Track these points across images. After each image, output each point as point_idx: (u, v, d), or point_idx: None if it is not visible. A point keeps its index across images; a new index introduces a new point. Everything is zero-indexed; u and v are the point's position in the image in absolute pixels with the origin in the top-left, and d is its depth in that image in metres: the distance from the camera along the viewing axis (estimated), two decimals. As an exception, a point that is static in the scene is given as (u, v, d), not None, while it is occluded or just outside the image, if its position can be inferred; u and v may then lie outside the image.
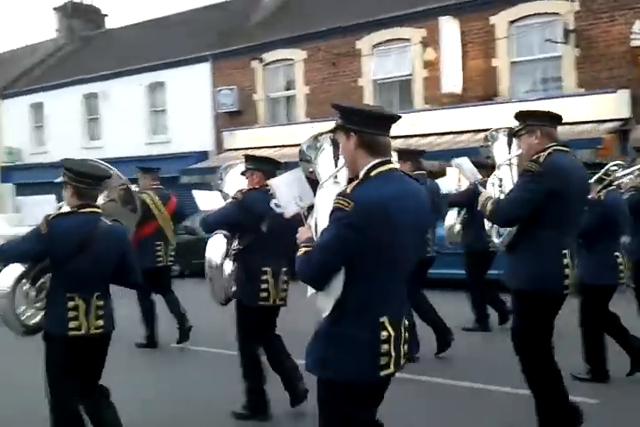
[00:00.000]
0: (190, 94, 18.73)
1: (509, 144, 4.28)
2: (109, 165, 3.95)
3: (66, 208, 3.72)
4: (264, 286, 4.44)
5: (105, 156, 20.56)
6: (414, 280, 6.27)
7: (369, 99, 15.85)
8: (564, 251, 3.60)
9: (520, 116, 3.89)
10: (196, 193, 5.15)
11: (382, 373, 2.41)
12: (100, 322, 3.50)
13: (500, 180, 4.10)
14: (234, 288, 4.53)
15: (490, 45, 14.08)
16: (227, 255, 4.40)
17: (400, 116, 2.55)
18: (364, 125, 2.45)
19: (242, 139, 17.72)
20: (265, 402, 4.52)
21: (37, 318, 3.64)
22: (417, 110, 14.86)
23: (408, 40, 15.16)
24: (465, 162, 4.78)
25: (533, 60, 13.86)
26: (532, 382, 3.75)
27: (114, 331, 3.66)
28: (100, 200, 3.73)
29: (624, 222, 5.15)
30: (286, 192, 2.88)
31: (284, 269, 4.52)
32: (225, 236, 4.43)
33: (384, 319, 2.39)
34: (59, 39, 26.69)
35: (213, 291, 4.55)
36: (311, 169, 2.93)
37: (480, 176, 4.70)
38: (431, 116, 14.46)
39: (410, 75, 15.26)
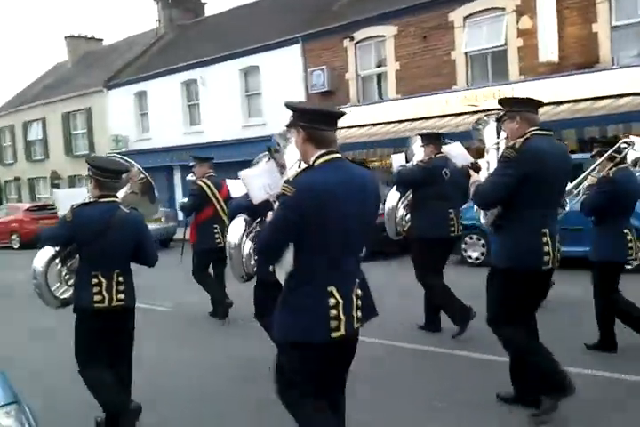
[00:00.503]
0: (283, 77, 19.04)
1: (499, 129, 4.39)
2: (131, 161, 4.49)
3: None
4: None
5: (204, 140, 21.43)
6: (429, 262, 6.16)
7: (462, 72, 15.55)
8: (544, 230, 3.80)
9: (502, 102, 4.07)
10: (229, 182, 5.43)
11: (333, 334, 2.76)
12: (121, 296, 3.99)
13: (488, 163, 4.30)
14: (254, 265, 4.66)
15: (589, 10, 13.42)
16: (247, 236, 4.60)
17: (344, 113, 2.92)
18: (311, 122, 2.83)
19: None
20: None
21: (69, 294, 4.19)
22: (512, 82, 14.44)
23: (502, 9, 14.70)
24: (454, 148, 5.07)
25: (637, 23, 13.10)
26: (511, 352, 4.07)
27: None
28: (122, 193, 4.25)
29: (634, 201, 5.24)
30: (256, 182, 3.24)
31: None
32: (245, 219, 4.60)
33: (332, 288, 2.76)
34: (159, 29, 27.74)
35: (233, 268, 4.73)
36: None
37: (472, 160, 4.81)
38: (527, 87, 13.95)
39: (504, 45, 14.82)
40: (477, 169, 4.37)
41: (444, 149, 5.41)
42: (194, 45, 23.70)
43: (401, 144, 15.74)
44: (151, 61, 25.23)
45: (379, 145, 15.52)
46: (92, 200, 4.05)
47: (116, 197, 4.07)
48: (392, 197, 6.45)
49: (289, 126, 3.05)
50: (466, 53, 15.51)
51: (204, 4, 29.00)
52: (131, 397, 4.07)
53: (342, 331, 2.78)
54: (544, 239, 3.79)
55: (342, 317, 2.78)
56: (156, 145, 23.25)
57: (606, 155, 5.21)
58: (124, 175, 4.18)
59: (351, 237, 2.83)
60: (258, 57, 19.80)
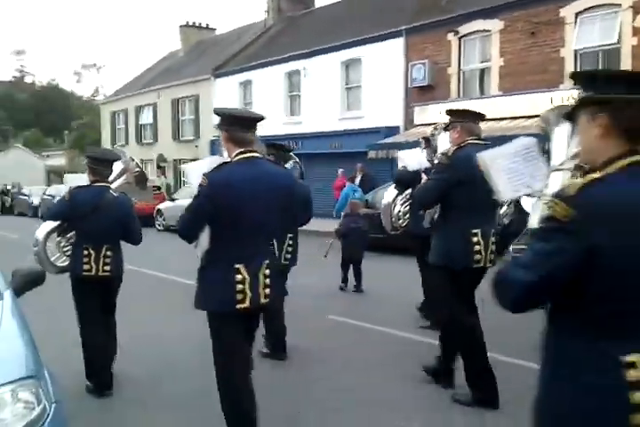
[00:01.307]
0: (384, 70, 18.92)
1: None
2: (125, 152, 5.57)
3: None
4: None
5: (302, 131, 21.69)
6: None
7: (570, 70, 14.85)
8: (475, 230, 4.12)
9: (448, 112, 4.47)
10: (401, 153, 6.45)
11: (238, 306, 3.26)
12: (107, 267, 4.70)
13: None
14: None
15: None
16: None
17: (263, 117, 3.49)
18: (231, 125, 3.38)
19: (433, 113, 17.52)
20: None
21: (66, 263, 4.88)
22: (623, 82, 13.67)
23: (617, 6, 13.92)
24: (406, 155, 5.70)
25: None
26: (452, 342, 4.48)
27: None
28: (118, 182, 4.98)
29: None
30: (196, 173, 3.53)
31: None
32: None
33: (239, 266, 3.24)
34: (267, 20, 28.24)
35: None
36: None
37: (427, 165, 5.07)
38: None
39: (616, 43, 14.03)
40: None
41: (399, 153, 6.11)
42: (300, 37, 23.97)
43: (500, 142, 15.29)
44: (257, 52, 25.74)
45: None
46: (87, 184, 4.79)
47: (108, 183, 4.79)
48: (389, 194, 6.67)
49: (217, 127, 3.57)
50: (575, 51, 14.81)
51: (315, -5, 29.24)
52: (116, 346, 4.84)
53: (247, 304, 3.27)
54: (474, 239, 4.12)
55: (248, 292, 3.26)
56: (258, 134, 23.69)
57: None
58: (121, 167, 5.00)
59: (255, 225, 3.29)
60: (360, 49, 19.77)
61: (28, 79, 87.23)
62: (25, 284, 3.31)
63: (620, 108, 1.70)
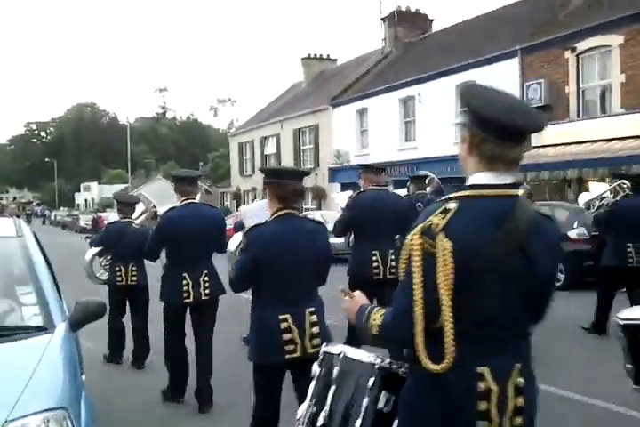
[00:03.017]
0: (499, 91, 18.43)
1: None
2: (143, 195, 8.00)
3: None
4: None
5: (418, 156, 21.57)
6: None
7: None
8: (374, 251, 5.67)
9: (358, 166, 6.39)
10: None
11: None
12: (134, 278, 6.45)
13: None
14: None
15: None
16: None
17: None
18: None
19: (551, 135, 16.81)
20: None
21: (105, 277, 6.85)
22: None
23: None
24: (339, 196, 7.51)
25: None
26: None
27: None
28: (142, 218, 6.86)
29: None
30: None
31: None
32: None
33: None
34: (385, 48, 28.53)
35: None
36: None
37: (343, 205, 6.35)
38: None
39: None
40: None
41: (333, 195, 7.67)
42: (414, 63, 24.01)
43: (622, 163, 14.45)
44: (374, 79, 26.04)
45: (599, 164, 14.36)
46: (117, 220, 6.76)
47: (131, 218, 6.66)
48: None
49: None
50: None
51: (431, 20, 29.19)
52: (148, 343, 6.39)
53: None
54: (374, 258, 5.65)
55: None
56: (373, 160, 23.91)
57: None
58: (142, 208, 6.97)
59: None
60: (474, 72, 19.43)
61: (169, 115, 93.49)
62: (84, 316, 3.49)
63: None
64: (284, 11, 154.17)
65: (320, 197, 26.81)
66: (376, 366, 2.07)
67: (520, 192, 1.93)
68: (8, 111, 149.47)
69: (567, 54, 16.65)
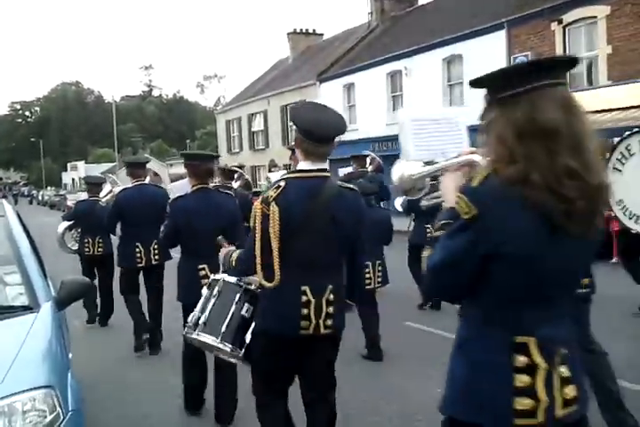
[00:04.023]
0: (486, 65, 18.19)
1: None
2: (110, 176, 8.52)
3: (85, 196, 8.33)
4: None
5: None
6: None
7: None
8: None
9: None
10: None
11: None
12: (100, 249, 7.38)
13: None
14: None
15: None
16: None
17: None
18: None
19: (538, 108, 16.86)
20: None
21: (75, 247, 8.01)
22: None
23: None
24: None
25: None
26: None
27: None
28: (108, 197, 6.99)
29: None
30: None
31: None
32: None
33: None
34: (371, 22, 28.22)
35: None
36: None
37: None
38: None
39: None
40: None
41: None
42: (401, 36, 23.80)
43: (610, 135, 14.41)
44: (360, 54, 25.81)
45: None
46: (85, 198, 7.72)
47: (98, 197, 7.23)
48: None
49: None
50: (691, 32, 13.71)
51: (417, -8, 28.87)
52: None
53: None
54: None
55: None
56: (361, 136, 23.86)
57: None
58: (110, 187, 7.18)
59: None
60: (462, 45, 19.33)
61: (155, 92, 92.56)
62: (70, 295, 3.49)
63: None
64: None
65: (379, 164, 26.65)
66: (242, 287, 3.23)
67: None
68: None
69: (554, 26, 16.54)
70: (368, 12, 28.35)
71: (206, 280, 3.80)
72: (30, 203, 55.63)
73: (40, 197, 54.01)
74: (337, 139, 3.00)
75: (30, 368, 2.78)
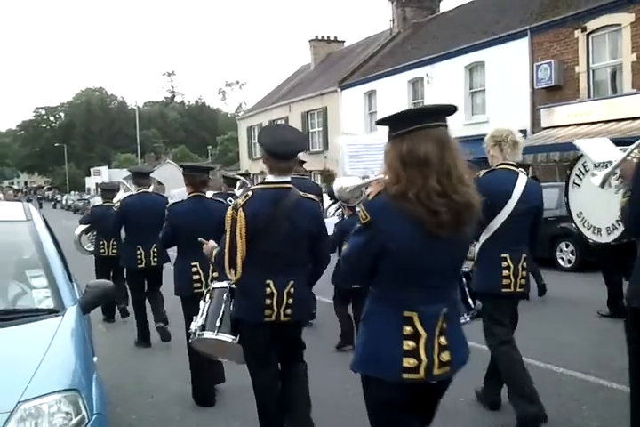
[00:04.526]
0: (508, 72, 18.29)
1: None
2: (122, 182, 9.65)
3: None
4: None
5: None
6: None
7: None
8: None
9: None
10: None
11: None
12: (114, 251, 7.80)
13: None
14: None
15: None
16: None
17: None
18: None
19: (561, 115, 16.75)
20: None
21: (92, 249, 8.58)
22: None
23: None
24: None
25: None
26: None
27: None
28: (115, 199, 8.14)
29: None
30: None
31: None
32: None
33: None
34: (393, 29, 28.27)
35: None
36: None
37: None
38: None
39: None
40: None
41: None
42: (423, 43, 23.80)
43: (633, 143, 14.20)
44: (382, 61, 25.85)
45: (619, 143, 14.22)
46: (100, 204, 8.50)
47: (112, 203, 7.94)
48: None
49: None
50: None
51: (440, 0, 28.86)
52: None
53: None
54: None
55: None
56: (382, 142, 23.83)
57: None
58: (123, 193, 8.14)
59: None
60: (484, 52, 19.27)
61: (177, 98, 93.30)
62: (95, 298, 3.54)
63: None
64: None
65: (329, 179, 26.76)
66: (228, 288, 3.71)
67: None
68: (17, 97, 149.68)
69: (577, 34, 16.46)
70: (390, 19, 28.41)
71: (198, 276, 4.82)
72: (54, 207, 56.27)
73: (64, 202, 54.59)
74: (300, 155, 3.60)
75: (56, 371, 2.82)
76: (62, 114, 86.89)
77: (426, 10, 27.96)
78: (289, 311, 3.48)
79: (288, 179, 3.49)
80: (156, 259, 6.62)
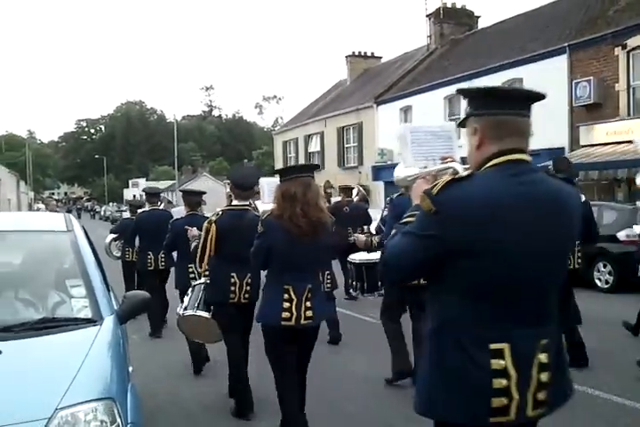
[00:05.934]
0: (546, 89, 17.56)
1: None
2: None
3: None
4: None
5: (464, 154, 21.27)
6: None
7: None
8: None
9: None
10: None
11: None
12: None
13: None
14: None
15: None
16: None
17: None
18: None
19: (600, 133, 16.53)
20: None
21: (119, 254, 9.89)
22: None
23: None
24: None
25: None
26: None
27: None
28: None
29: None
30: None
31: None
32: None
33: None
34: (430, 45, 28.30)
35: None
36: None
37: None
38: None
39: None
40: None
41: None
42: (460, 59, 23.76)
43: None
44: (418, 77, 25.86)
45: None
46: (130, 217, 10.14)
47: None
48: None
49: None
50: None
51: (478, 17, 28.83)
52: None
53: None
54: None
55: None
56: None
57: None
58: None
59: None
60: (522, 69, 19.12)
61: (215, 112, 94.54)
62: (131, 309, 3.59)
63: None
64: (330, 8, 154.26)
65: (364, 195, 26.73)
66: (204, 283, 5.06)
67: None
68: (60, 109, 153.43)
69: (617, 51, 16.26)
70: (427, 35, 28.46)
71: (192, 275, 6.21)
72: (92, 217, 57.25)
73: (102, 212, 55.53)
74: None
75: (93, 380, 2.87)
76: (103, 126, 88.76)
77: (463, 26, 27.93)
78: (247, 296, 4.83)
79: (247, 203, 4.99)
80: (163, 263, 7.97)
